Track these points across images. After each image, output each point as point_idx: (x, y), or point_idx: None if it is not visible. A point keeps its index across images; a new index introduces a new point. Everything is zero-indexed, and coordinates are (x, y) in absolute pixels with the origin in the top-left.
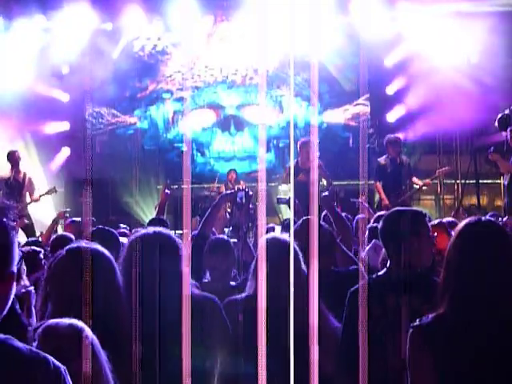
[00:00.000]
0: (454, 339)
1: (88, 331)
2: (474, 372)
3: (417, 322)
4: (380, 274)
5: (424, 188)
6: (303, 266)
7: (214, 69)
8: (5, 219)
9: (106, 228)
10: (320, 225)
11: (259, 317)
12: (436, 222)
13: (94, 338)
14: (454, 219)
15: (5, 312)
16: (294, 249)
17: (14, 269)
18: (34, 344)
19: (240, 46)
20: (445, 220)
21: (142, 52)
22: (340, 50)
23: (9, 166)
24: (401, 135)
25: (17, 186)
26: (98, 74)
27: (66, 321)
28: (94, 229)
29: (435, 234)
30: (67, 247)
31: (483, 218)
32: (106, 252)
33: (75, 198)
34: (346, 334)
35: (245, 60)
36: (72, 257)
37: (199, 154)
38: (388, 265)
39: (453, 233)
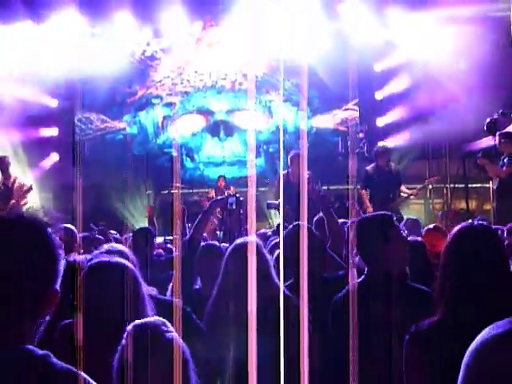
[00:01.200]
0: (451, 345)
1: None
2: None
3: (413, 329)
4: (359, 281)
5: (411, 196)
6: (272, 271)
7: (203, 74)
8: (52, 235)
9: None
10: (310, 230)
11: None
12: (432, 226)
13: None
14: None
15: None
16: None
17: (58, 287)
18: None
19: (229, 50)
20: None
21: (131, 57)
22: (329, 55)
23: None
24: (390, 141)
25: (6, 192)
26: (87, 79)
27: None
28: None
29: (430, 237)
30: (89, 264)
31: (475, 222)
32: (128, 264)
33: (64, 203)
34: (333, 342)
35: (234, 65)
36: (96, 273)
37: (189, 159)
38: (365, 271)
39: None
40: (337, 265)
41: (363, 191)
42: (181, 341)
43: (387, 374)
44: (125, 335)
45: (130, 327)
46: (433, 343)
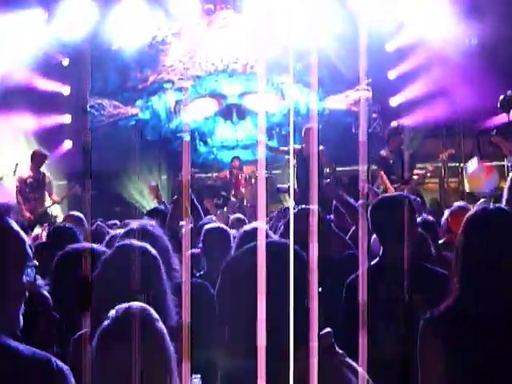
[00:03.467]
0: (465, 331)
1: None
2: (485, 364)
3: (428, 315)
4: (373, 262)
5: (428, 174)
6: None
7: (214, 57)
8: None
9: (67, 226)
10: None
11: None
12: (457, 205)
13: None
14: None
15: None
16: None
17: None
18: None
19: (240, 33)
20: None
21: (142, 42)
22: (340, 35)
23: (28, 164)
24: (404, 120)
25: (37, 186)
26: (98, 65)
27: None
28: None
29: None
30: (118, 244)
31: (491, 206)
32: (153, 251)
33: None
34: (348, 326)
35: (245, 48)
36: (122, 254)
37: (202, 144)
38: (381, 253)
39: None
40: (345, 245)
41: (382, 173)
42: (163, 327)
43: (401, 359)
44: (108, 319)
45: (113, 311)
46: (447, 329)
